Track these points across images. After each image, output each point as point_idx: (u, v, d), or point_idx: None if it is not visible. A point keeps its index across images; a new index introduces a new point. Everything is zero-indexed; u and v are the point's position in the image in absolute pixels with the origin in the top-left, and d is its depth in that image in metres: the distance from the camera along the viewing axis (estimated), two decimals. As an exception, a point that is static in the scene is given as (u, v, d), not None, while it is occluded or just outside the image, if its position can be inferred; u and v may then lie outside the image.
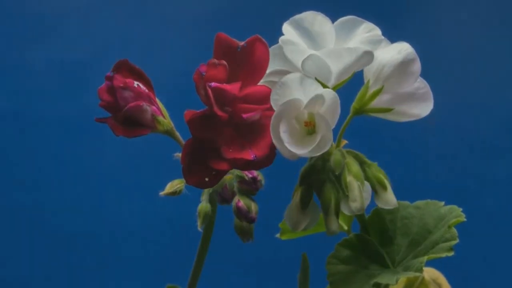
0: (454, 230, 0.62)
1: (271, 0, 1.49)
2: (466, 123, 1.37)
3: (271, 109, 0.59)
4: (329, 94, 0.57)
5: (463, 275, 1.28)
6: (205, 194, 0.67)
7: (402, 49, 0.60)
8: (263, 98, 0.60)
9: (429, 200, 0.67)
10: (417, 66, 0.61)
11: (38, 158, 1.43)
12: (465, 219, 0.62)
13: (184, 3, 1.48)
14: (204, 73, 0.59)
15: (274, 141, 0.57)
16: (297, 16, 0.61)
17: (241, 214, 0.65)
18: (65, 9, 1.46)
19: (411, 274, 0.59)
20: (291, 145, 0.57)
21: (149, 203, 1.36)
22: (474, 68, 1.41)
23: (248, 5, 1.48)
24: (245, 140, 0.59)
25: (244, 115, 0.59)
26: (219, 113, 0.59)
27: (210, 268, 0.74)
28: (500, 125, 1.34)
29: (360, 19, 0.61)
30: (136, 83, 0.63)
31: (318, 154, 0.57)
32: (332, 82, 0.60)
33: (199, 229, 0.67)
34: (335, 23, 0.61)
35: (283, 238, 0.76)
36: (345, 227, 0.76)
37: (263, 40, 0.61)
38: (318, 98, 0.57)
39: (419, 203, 0.67)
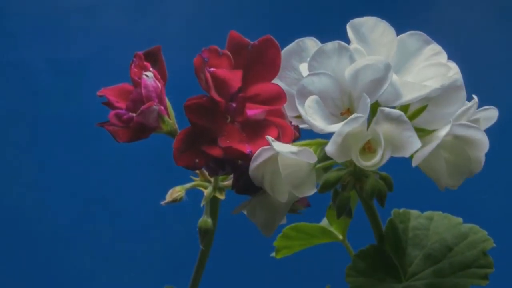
0: (491, 259, 0.60)
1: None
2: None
3: (277, 111, 0.57)
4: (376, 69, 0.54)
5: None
6: (205, 204, 0.65)
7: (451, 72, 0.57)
8: (272, 98, 0.58)
9: (441, 213, 0.65)
10: (463, 94, 0.57)
11: (38, 157, 1.42)
12: (494, 245, 0.61)
13: (188, 1, 1.47)
14: (207, 59, 0.58)
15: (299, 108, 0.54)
16: (358, 19, 0.58)
17: None
18: (66, 8, 1.45)
19: None
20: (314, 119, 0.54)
21: (150, 203, 1.35)
22: (474, 67, 1.40)
23: (255, 4, 1.47)
24: (244, 135, 0.58)
25: (249, 112, 0.58)
26: (216, 97, 0.58)
27: (211, 271, 0.71)
28: (500, 124, 1.32)
29: (428, 38, 0.58)
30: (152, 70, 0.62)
31: (349, 129, 0.53)
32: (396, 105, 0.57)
33: (201, 246, 0.66)
34: (401, 36, 0.58)
35: (278, 257, 0.75)
36: (340, 237, 0.74)
37: (275, 40, 0.60)
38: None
39: (431, 214, 0.65)
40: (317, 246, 0.75)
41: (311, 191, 0.56)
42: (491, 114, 0.59)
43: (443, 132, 0.54)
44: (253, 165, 0.56)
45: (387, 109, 0.53)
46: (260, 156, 0.56)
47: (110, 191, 1.41)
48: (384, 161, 0.53)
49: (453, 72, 0.57)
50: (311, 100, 0.54)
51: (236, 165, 0.59)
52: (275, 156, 0.55)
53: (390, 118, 0.53)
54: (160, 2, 1.47)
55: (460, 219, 0.64)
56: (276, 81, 0.60)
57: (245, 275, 1.37)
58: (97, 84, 0.63)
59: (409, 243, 0.62)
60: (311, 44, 0.59)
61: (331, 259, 0.72)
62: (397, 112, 0.53)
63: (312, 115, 0.54)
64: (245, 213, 0.62)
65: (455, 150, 0.56)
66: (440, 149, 0.55)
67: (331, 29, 0.59)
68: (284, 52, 0.59)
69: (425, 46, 0.58)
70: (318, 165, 0.57)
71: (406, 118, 0.53)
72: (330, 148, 0.53)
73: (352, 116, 0.53)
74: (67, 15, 1.44)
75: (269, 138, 0.55)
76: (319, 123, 0.53)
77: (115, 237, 1.40)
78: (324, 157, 0.57)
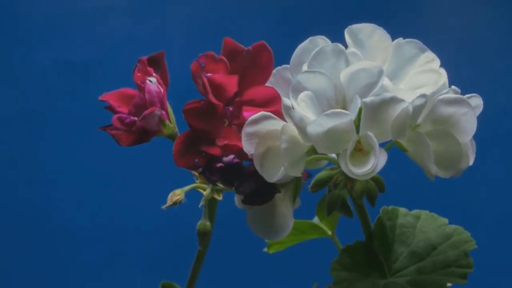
0: (471, 260, 0.61)
1: (276, 4, 1.47)
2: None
3: (273, 113, 0.57)
4: (368, 72, 0.54)
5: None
6: (204, 205, 0.66)
7: (439, 79, 0.58)
8: (267, 101, 0.59)
9: (428, 212, 0.65)
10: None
11: (43, 157, 1.43)
12: (476, 247, 0.62)
13: (190, 6, 1.47)
14: (204, 65, 0.59)
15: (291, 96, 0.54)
16: (356, 26, 0.59)
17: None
18: (72, 10, 1.45)
19: None
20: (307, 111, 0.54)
21: (150, 201, 1.35)
22: (466, 67, 1.40)
23: (256, 9, 1.47)
24: (241, 137, 0.58)
25: (246, 114, 0.58)
26: (214, 101, 0.58)
27: (205, 265, 0.72)
28: (494, 122, 1.34)
29: (423, 45, 0.59)
30: (155, 75, 0.62)
31: (337, 122, 0.53)
32: None
33: (200, 248, 0.66)
34: (397, 40, 0.59)
35: (271, 251, 0.75)
36: (329, 232, 0.74)
37: (268, 46, 0.61)
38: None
39: (419, 213, 0.65)
40: (308, 242, 0.76)
41: (299, 173, 0.56)
42: (475, 102, 0.58)
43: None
44: (249, 129, 0.56)
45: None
46: (259, 123, 0.56)
47: (112, 189, 1.41)
48: (378, 169, 0.53)
49: (444, 79, 0.58)
50: (305, 94, 0.54)
51: (237, 174, 0.59)
52: (276, 131, 0.55)
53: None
54: (165, 5, 1.46)
55: (446, 220, 0.64)
56: (289, 77, 0.61)
57: (239, 269, 1.37)
58: (102, 84, 0.63)
59: (395, 240, 0.63)
60: (322, 42, 0.59)
61: (322, 254, 0.73)
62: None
63: (305, 108, 0.54)
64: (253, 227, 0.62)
65: (441, 136, 0.55)
66: (427, 137, 0.54)
67: (325, 32, 0.60)
68: (297, 49, 0.60)
69: (420, 54, 0.59)
70: (312, 157, 0.57)
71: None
72: (311, 130, 0.53)
73: (337, 110, 0.53)
74: (74, 18, 1.44)
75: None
76: (311, 116, 0.54)
77: (115, 236, 1.40)
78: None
